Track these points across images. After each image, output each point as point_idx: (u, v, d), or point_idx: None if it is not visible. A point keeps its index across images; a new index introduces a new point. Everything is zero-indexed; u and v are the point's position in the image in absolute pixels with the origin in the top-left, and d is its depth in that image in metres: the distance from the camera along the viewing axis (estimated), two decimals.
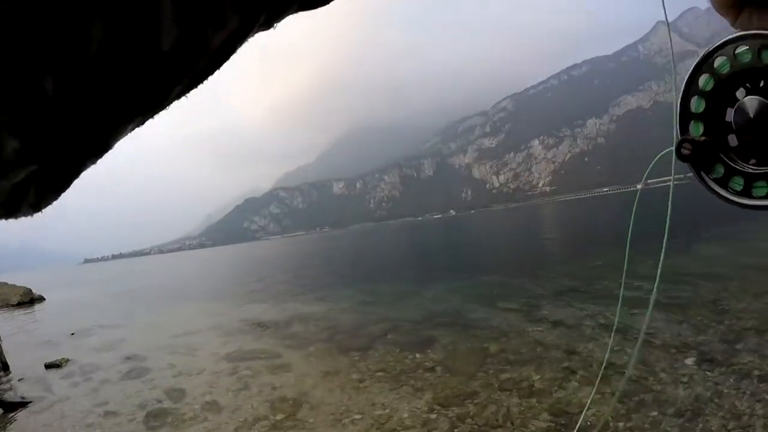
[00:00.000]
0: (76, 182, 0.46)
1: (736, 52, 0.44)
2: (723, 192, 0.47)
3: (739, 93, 0.46)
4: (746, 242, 17.36)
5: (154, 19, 0.38)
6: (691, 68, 0.48)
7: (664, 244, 1.06)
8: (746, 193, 0.45)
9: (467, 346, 9.30)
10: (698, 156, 0.47)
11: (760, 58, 0.42)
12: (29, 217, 0.48)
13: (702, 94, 0.47)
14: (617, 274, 13.26)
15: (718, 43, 0.46)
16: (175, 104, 0.49)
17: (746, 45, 0.43)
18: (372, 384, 7.72)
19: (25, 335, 17.00)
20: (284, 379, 8.46)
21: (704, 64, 0.47)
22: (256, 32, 0.50)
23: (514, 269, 19.84)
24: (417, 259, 34.46)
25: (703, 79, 0.47)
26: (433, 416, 6.24)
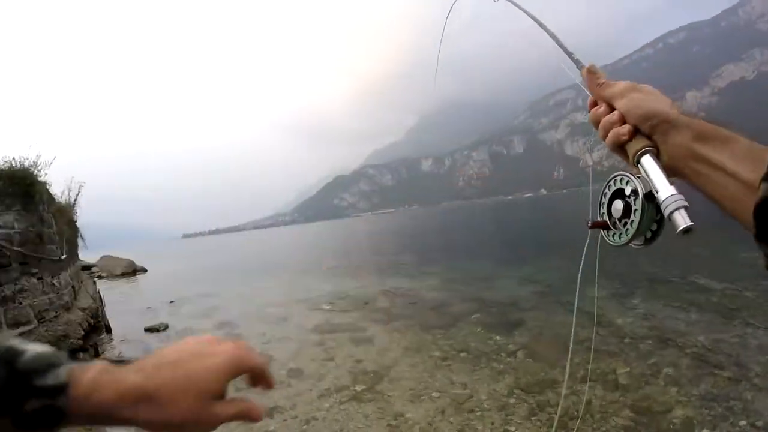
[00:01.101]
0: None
1: (615, 179, 0.85)
2: (607, 240, 0.89)
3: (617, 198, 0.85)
4: None
5: None
6: (605, 182, 0.88)
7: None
8: (614, 240, 0.86)
9: (552, 333, 9.01)
10: (598, 225, 0.89)
11: (620, 183, 0.83)
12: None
13: (605, 195, 0.88)
14: (714, 268, 12.31)
15: (611, 176, 0.86)
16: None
17: (617, 177, 0.84)
18: (453, 363, 7.72)
19: (127, 302, 18.56)
20: (367, 353, 8.68)
21: (607, 183, 0.87)
22: None
23: (603, 255, 18.88)
24: (507, 239, 33.66)
25: (607, 189, 0.88)
26: (512, 401, 6.14)
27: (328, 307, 13.36)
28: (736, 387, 5.91)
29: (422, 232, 55.32)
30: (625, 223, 0.81)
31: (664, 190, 0.72)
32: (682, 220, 0.70)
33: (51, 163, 9.02)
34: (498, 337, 8.95)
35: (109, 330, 12.40)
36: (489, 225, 55.27)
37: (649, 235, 0.81)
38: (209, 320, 13.10)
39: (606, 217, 0.87)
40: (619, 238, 0.83)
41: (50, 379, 0.52)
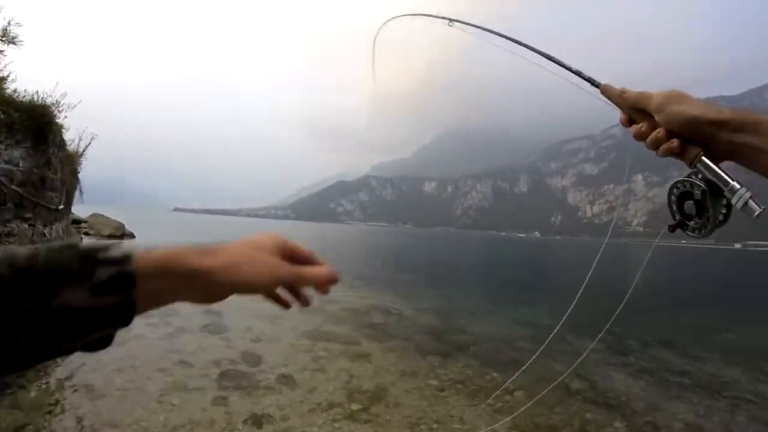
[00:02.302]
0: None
1: (678, 186, 0.93)
2: (691, 235, 0.94)
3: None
4: None
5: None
6: (668, 190, 0.96)
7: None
8: (697, 234, 0.92)
9: (549, 377, 8.74)
10: (677, 228, 0.96)
11: (684, 187, 0.91)
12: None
13: (673, 201, 0.96)
14: (711, 333, 12.13)
15: (673, 182, 0.95)
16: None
17: (680, 183, 0.93)
18: (450, 395, 7.38)
19: None
20: (362, 369, 8.26)
21: (671, 189, 0.95)
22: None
23: (600, 308, 18.62)
24: (502, 275, 33.45)
25: (672, 196, 0.95)
26: None
27: (319, 314, 12.97)
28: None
29: (419, 253, 55.06)
30: (703, 218, 0.91)
31: (731, 184, 0.83)
32: (756, 207, 0.81)
33: (74, 106, 8.63)
34: (495, 374, 8.64)
35: None
36: (485, 258, 55.07)
37: (722, 218, 0.90)
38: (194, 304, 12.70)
39: (678, 218, 0.97)
40: (702, 230, 0.92)
41: (115, 252, 0.56)
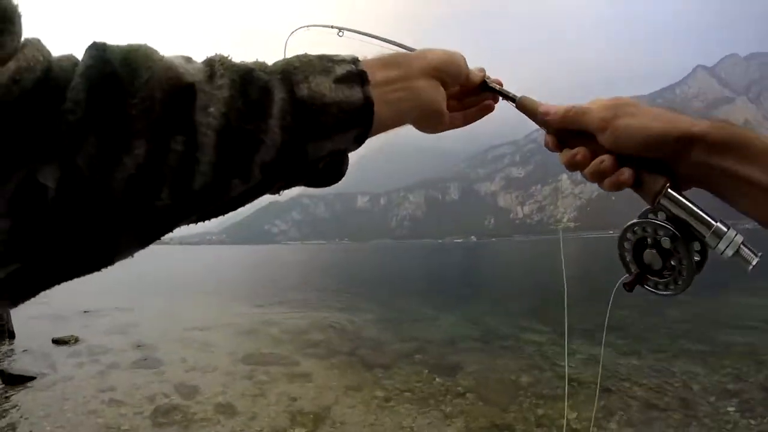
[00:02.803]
0: None
1: (634, 230, 0.74)
2: (656, 292, 0.76)
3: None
4: None
5: (194, 161, 0.44)
6: (618, 237, 0.78)
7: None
8: (665, 290, 0.74)
9: (497, 375, 8.73)
10: (637, 284, 0.76)
11: (644, 231, 0.73)
12: None
13: (628, 250, 0.77)
14: (645, 317, 12.67)
15: (626, 226, 0.76)
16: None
17: (637, 227, 0.74)
18: (399, 405, 7.16)
19: (35, 307, 16.62)
20: (304, 390, 7.90)
21: (623, 236, 0.76)
22: (267, 194, 0.60)
23: (537, 301, 19.05)
24: (440, 281, 33.76)
25: (626, 243, 0.76)
26: None
27: (257, 336, 12.49)
28: (688, 429, 5.81)
29: (355, 267, 54.80)
30: (673, 270, 0.73)
31: (714, 225, 0.65)
32: (752, 254, 0.65)
33: None
34: (443, 379, 8.51)
35: (12, 336, 11.08)
36: (422, 266, 55.49)
37: (695, 266, 0.73)
38: (126, 338, 11.80)
39: (635, 270, 0.78)
40: (674, 286, 0.74)
41: (344, 55, 0.58)
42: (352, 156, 0.66)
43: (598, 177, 0.69)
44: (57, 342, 10.82)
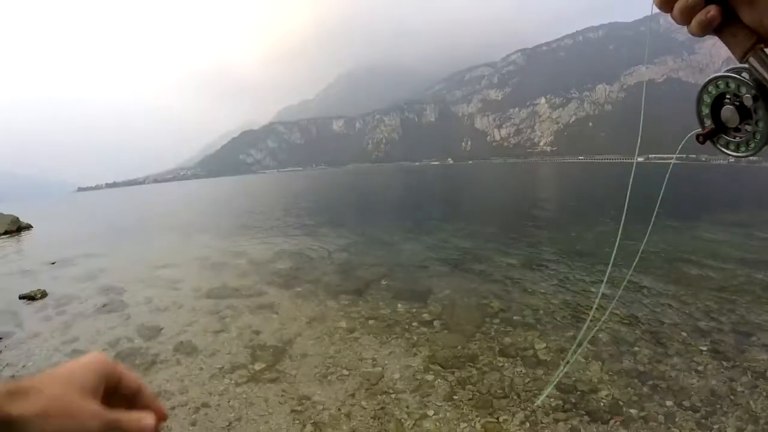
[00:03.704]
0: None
1: (717, 83, 0.71)
2: (726, 152, 0.73)
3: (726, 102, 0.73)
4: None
5: None
6: (699, 90, 0.74)
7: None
8: (736, 151, 0.72)
9: (466, 302, 8.66)
10: (708, 139, 0.74)
11: (727, 87, 0.70)
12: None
13: (706, 104, 0.74)
14: (612, 241, 12.61)
15: (708, 79, 0.73)
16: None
17: (720, 81, 0.71)
18: (362, 335, 7.08)
19: (3, 264, 16.17)
20: (267, 323, 7.79)
21: (703, 90, 0.73)
22: None
23: (514, 225, 19.08)
24: (415, 204, 33.66)
25: (705, 97, 0.74)
26: (430, 377, 5.62)
27: (225, 269, 12.28)
28: (658, 365, 5.75)
29: (330, 193, 54.45)
30: (747, 131, 0.71)
31: None
32: None
33: None
34: (409, 305, 8.46)
35: None
36: (397, 189, 55.29)
37: None
38: (93, 284, 11.50)
39: (709, 125, 0.75)
40: (745, 148, 0.72)
41: None
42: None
43: (687, 14, 0.64)
44: (24, 297, 10.47)
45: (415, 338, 6.88)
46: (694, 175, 61.11)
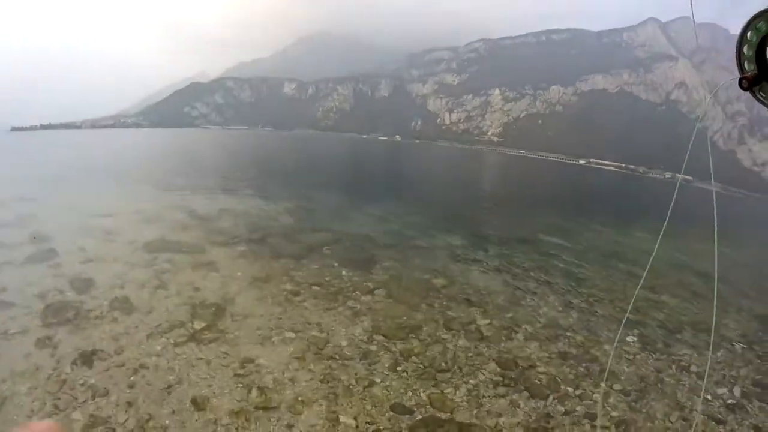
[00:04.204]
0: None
1: (763, 24, 0.66)
2: (763, 100, 0.68)
3: None
4: None
5: None
6: (741, 28, 0.68)
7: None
8: None
9: (410, 275, 8.71)
10: (753, 83, 0.68)
11: None
12: None
13: (750, 44, 0.68)
14: (558, 231, 12.99)
15: (756, 13, 0.67)
16: None
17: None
18: (307, 299, 6.98)
19: None
20: (208, 280, 7.50)
21: (749, 25, 0.67)
22: None
23: (459, 206, 19.39)
24: (362, 175, 33.47)
25: (750, 35, 0.67)
26: (374, 347, 5.63)
27: (164, 223, 11.72)
28: (590, 351, 6.01)
29: (276, 155, 53.27)
30: None
31: None
32: None
33: None
34: (353, 273, 8.42)
35: None
36: (345, 159, 54.77)
37: None
38: (23, 230, 10.42)
39: (753, 70, 0.68)
40: None
41: None
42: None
43: None
44: None
45: (359, 307, 6.86)
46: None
